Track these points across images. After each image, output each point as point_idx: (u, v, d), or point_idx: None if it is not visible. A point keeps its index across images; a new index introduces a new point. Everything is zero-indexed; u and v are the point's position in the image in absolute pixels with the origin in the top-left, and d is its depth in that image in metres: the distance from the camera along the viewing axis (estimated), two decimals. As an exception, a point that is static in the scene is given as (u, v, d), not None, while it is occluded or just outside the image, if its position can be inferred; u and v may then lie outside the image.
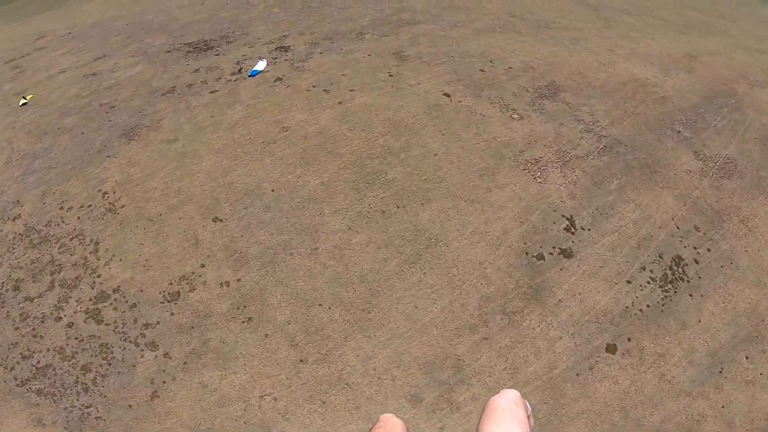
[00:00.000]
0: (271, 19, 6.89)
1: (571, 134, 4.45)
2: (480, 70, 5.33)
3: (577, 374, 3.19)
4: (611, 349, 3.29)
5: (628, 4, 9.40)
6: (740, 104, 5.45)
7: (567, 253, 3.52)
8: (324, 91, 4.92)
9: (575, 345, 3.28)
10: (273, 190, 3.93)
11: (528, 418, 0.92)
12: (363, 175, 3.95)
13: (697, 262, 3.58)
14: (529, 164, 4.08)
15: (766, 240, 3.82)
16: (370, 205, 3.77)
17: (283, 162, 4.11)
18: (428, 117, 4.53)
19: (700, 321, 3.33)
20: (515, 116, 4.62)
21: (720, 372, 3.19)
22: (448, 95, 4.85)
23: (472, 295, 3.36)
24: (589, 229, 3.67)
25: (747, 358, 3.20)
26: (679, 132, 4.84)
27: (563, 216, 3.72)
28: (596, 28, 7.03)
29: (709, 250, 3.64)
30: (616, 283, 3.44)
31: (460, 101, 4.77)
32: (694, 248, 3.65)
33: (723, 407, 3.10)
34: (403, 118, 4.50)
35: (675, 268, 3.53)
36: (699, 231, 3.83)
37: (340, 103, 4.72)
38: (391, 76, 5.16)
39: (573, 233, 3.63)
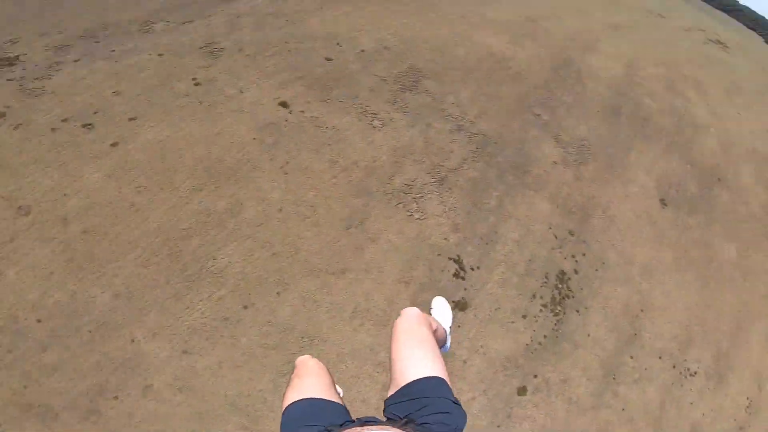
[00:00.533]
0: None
1: (441, 138, 3.78)
2: (326, 59, 4.13)
3: (498, 426, 2.85)
4: (522, 391, 2.99)
5: None
6: (579, 74, 5.62)
7: (462, 306, 2.96)
8: (84, 126, 3.09)
9: (489, 400, 2.87)
10: (39, 321, 2.30)
11: (435, 331, 0.95)
12: (179, 270, 2.58)
13: (576, 272, 3.47)
14: (401, 194, 3.29)
15: (625, 227, 3.97)
16: (203, 313, 2.49)
17: (36, 272, 2.41)
18: (261, 147, 3.24)
19: (589, 335, 3.26)
20: (377, 123, 3.69)
21: (613, 379, 3.22)
22: (285, 105, 3.58)
23: (371, 389, 2.57)
24: (478, 267, 3.16)
25: (631, 357, 3.29)
26: (538, 115, 4.67)
27: (450, 258, 3.11)
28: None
29: (584, 254, 3.57)
30: (512, 322, 3.08)
31: (303, 111, 3.57)
32: (573, 257, 3.52)
33: (623, 410, 3.17)
34: (223, 157, 3.12)
35: (560, 286, 3.35)
36: (573, 235, 3.73)
37: (114, 145, 3.02)
38: (197, 85, 3.57)
39: (464, 278, 3.07)
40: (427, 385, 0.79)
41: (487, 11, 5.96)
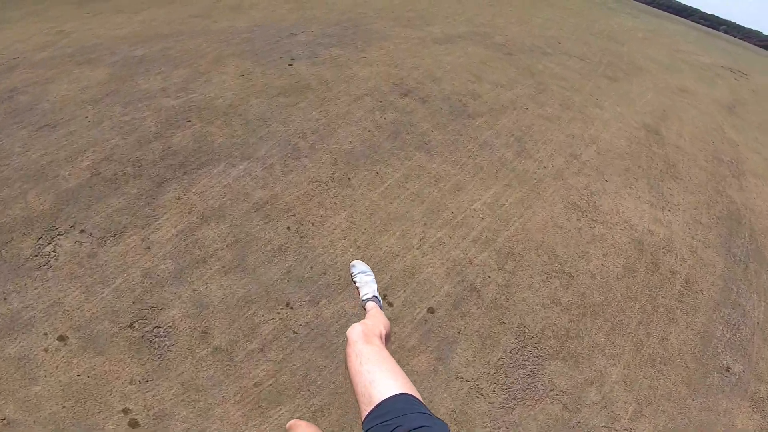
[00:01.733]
0: None
1: None
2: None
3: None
4: None
5: (531, 36, 6.92)
6: (754, 240, 3.57)
7: None
8: None
9: None
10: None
11: (385, 336, 0.94)
12: None
13: None
14: None
15: None
16: None
17: None
18: None
19: None
20: None
21: None
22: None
23: None
24: None
25: None
26: (728, 369, 2.61)
27: None
28: (528, 95, 4.29)
29: None
30: None
31: None
32: None
33: None
34: None
35: None
36: None
37: None
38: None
39: None
40: (396, 404, 0.73)
41: (599, 134, 3.90)
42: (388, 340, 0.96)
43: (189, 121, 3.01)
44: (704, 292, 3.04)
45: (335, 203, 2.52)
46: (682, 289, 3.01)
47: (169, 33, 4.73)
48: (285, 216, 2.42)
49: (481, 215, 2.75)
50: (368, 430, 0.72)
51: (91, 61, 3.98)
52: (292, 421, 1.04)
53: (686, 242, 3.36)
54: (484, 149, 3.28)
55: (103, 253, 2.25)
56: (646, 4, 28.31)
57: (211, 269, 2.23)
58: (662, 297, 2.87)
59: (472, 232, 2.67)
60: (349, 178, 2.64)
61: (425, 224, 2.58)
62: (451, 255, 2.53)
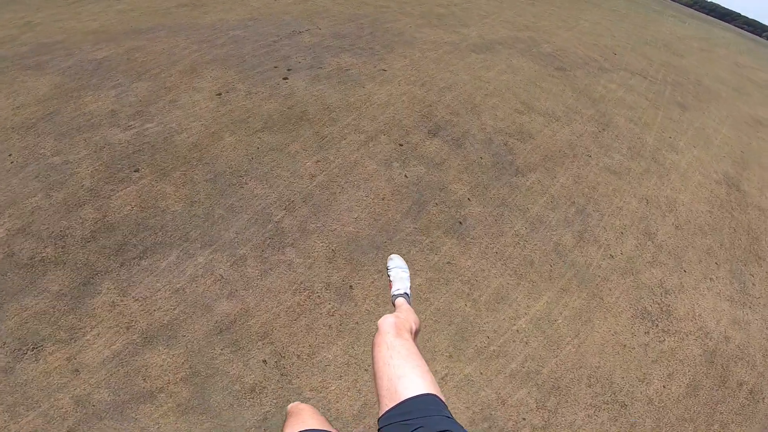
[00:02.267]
0: None
1: None
2: None
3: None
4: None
5: (584, 46, 5.85)
6: None
7: None
8: None
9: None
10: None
11: (415, 333, 0.92)
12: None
13: None
14: None
15: None
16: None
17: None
18: None
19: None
20: None
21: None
22: None
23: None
24: None
25: None
26: None
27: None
28: (590, 133, 3.36)
29: None
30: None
31: None
32: None
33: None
34: None
35: None
36: None
37: None
38: None
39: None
40: (420, 404, 0.70)
41: (676, 194, 2.98)
42: (416, 336, 0.93)
43: (137, 170, 2.22)
44: (766, 401, 2.27)
45: (330, 326, 1.74)
46: (744, 401, 2.26)
47: (146, 27, 3.88)
48: (260, 343, 1.66)
49: (525, 338, 1.95)
50: (386, 426, 0.68)
51: (40, 65, 3.18)
52: (292, 405, 0.93)
53: (761, 345, 2.56)
54: (536, 230, 2.43)
55: (21, 369, 1.58)
56: (687, 6, 26.44)
57: (162, 407, 1.52)
58: (720, 413, 2.12)
59: (510, 363, 1.88)
60: (350, 286, 1.85)
61: (450, 356, 1.80)
62: (480, 396, 1.76)
